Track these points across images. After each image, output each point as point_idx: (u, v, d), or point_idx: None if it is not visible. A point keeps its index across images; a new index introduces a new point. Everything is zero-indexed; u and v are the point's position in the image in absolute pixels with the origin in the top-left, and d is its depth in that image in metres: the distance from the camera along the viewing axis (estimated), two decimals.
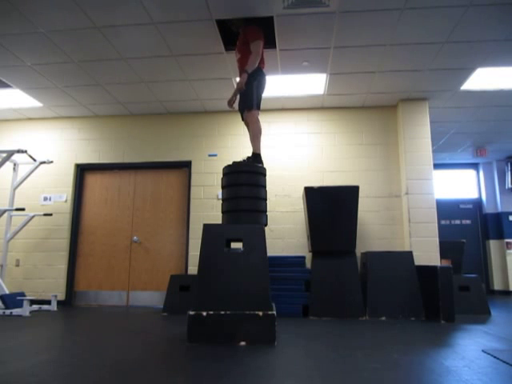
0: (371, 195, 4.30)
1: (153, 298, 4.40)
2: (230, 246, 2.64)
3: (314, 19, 2.93)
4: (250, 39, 2.81)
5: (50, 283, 4.42)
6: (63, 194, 4.64)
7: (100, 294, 4.49)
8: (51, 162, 4.40)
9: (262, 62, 2.90)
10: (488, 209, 6.43)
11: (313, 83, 4.00)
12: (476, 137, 5.43)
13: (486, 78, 3.79)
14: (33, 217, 4.23)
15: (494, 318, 3.60)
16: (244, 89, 2.75)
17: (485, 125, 4.98)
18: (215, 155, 4.56)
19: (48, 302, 3.99)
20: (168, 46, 3.29)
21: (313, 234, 3.76)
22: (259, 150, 2.83)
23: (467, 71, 3.68)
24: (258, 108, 2.87)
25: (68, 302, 4.42)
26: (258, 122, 2.83)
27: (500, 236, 6.24)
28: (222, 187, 2.92)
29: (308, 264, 3.94)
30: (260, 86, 2.87)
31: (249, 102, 2.80)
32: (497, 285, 6.11)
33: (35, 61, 3.52)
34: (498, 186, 6.39)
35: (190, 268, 4.29)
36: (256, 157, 2.82)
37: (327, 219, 3.74)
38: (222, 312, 2.36)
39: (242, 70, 2.83)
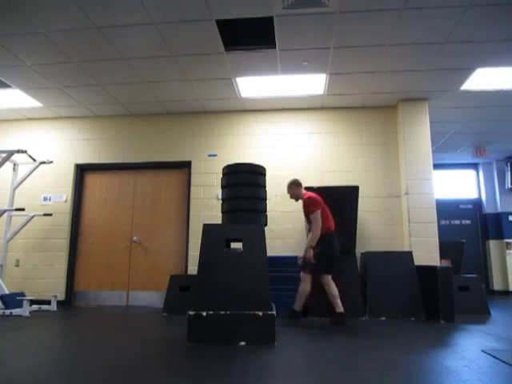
0: (371, 195, 4.30)
1: (153, 297, 4.40)
2: (230, 245, 2.65)
3: (313, 19, 2.93)
4: (309, 212, 3.14)
5: (50, 283, 4.42)
6: (63, 194, 4.64)
7: (100, 294, 4.49)
8: (51, 162, 4.40)
9: (328, 222, 3.18)
10: (488, 209, 6.43)
11: (313, 83, 4.00)
12: (476, 137, 5.43)
13: (485, 78, 3.79)
14: (32, 217, 4.23)
15: (493, 318, 3.60)
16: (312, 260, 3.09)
17: (484, 125, 4.98)
18: (215, 155, 4.56)
19: (48, 302, 3.98)
20: (168, 46, 3.29)
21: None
22: (341, 308, 3.09)
23: (467, 71, 3.68)
24: (329, 273, 3.16)
25: (68, 302, 4.42)
26: (331, 283, 3.14)
27: (500, 236, 6.24)
28: (222, 187, 2.92)
29: None
30: (326, 253, 3.13)
31: (318, 270, 3.12)
32: (496, 285, 6.11)
33: (35, 61, 3.52)
34: (497, 186, 6.39)
35: (189, 268, 4.29)
36: (342, 315, 3.06)
37: None
38: (222, 312, 2.36)
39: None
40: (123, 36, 3.15)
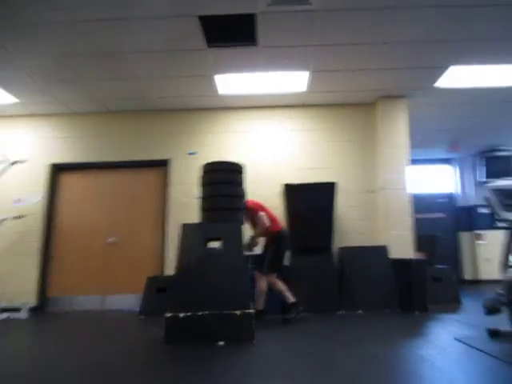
0: (350, 191, 4.36)
1: (129, 300, 4.22)
2: (207, 245, 2.62)
3: (297, 17, 2.92)
4: (254, 214, 3.19)
5: (21, 289, 4.15)
6: (36, 195, 4.43)
7: (75, 298, 4.30)
8: (25, 161, 4.18)
9: (275, 223, 3.30)
10: (461, 202, 6.69)
11: (295, 81, 3.99)
12: (451, 133, 5.61)
13: (458, 76, 3.91)
14: (4, 220, 4.01)
15: (464, 306, 3.77)
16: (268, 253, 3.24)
17: (459, 121, 5.15)
18: (195, 154, 4.49)
19: (20, 310, 3.78)
20: (148, 41, 3.18)
21: (291, 230, 3.77)
22: (292, 298, 3.17)
23: (440, 69, 3.78)
24: (273, 271, 3.23)
25: (41, 308, 4.18)
26: (276, 280, 3.21)
27: (470, 228, 6.49)
28: (200, 185, 2.89)
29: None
30: (279, 250, 3.26)
31: (265, 268, 3.20)
32: (467, 274, 6.36)
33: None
34: (470, 181, 6.66)
35: (167, 269, 4.21)
36: (294, 305, 3.14)
37: (305, 216, 3.77)
38: (200, 313, 2.33)
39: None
40: (101, 30, 3.02)
